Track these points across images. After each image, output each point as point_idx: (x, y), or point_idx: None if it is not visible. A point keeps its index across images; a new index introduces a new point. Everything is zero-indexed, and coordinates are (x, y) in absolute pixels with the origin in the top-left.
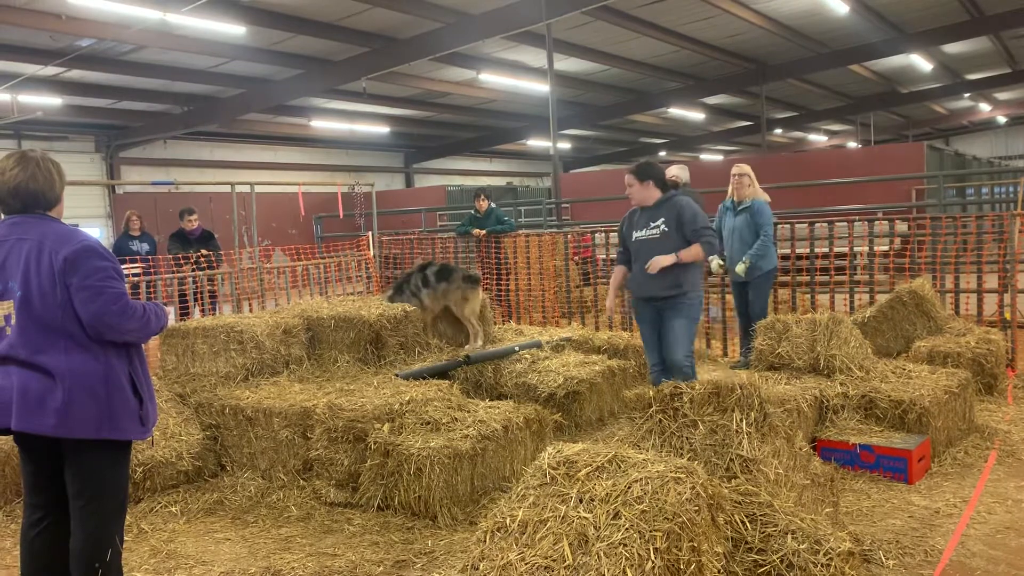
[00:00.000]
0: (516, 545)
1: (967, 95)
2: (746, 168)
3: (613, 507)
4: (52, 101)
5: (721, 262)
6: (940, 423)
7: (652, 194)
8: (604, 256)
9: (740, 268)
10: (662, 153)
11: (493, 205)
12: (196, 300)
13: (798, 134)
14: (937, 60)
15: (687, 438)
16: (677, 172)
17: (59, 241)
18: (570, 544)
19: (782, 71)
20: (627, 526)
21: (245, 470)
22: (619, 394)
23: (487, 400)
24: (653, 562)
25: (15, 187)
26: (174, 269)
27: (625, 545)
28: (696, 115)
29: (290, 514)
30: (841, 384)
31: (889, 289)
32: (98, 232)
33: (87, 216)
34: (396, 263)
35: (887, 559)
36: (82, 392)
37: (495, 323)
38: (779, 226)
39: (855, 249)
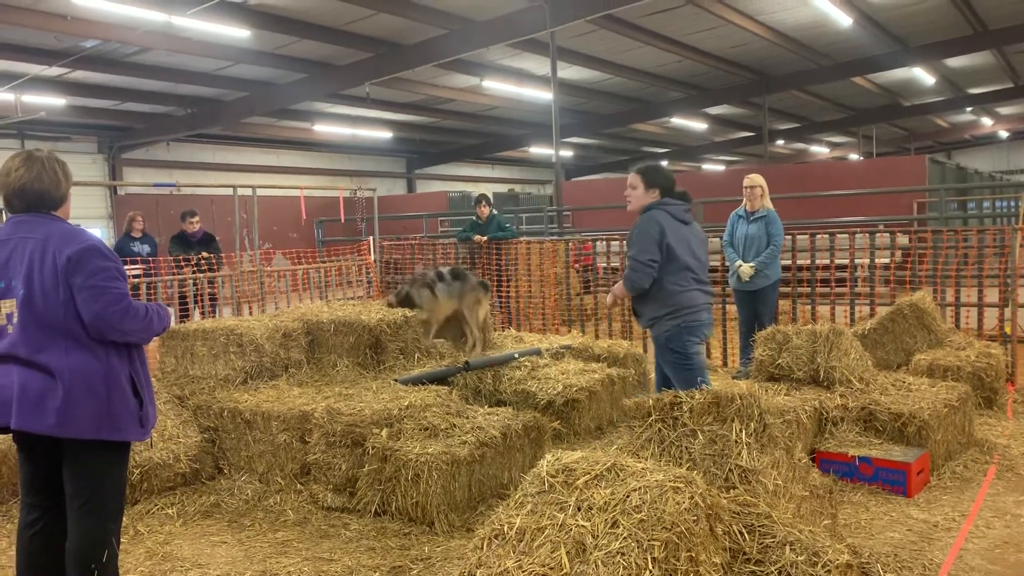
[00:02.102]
0: (513, 553)
1: (969, 109)
2: (758, 180)
3: (611, 516)
4: (56, 101)
5: (752, 264)
6: (939, 436)
7: (641, 203)
8: (605, 264)
9: (747, 270)
10: (664, 163)
11: (495, 212)
12: (196, 302)
13: (800, 145)
14: (940, 74)
15: (686, 448)
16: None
17: (63, 240)
18: (568, 552)
19: (785, 82)
20: (625, 535)
21: (242, 473)
22: (618, 402)
23: (486, 407)
24: (651, 572)
25: (21, 187)
26: (174, 271)
27: (623, 554)
28: (698, 125)
29: (287, 518)
30: (841, 396)
31: (890, 302)
32: (99, 233)
33: (88, 217)
34: (397, 268)
35: (885, 572)
36: (82, 392)
37: (495, 329)
38: None
39: (856, 261)
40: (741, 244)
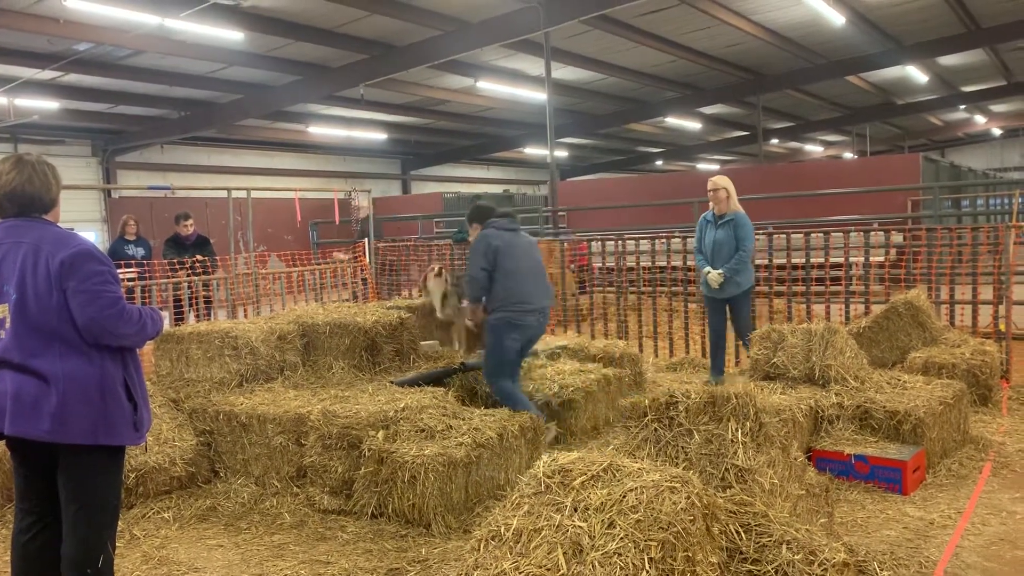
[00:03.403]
0: (510, 554)
1: (963, 107)
2: (722, 182)
3: (608, 516)
4: (49, 105)
5: (720, 272)
6: (935, 434)
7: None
8: (600, 264)
9: (715, 277)
10: (659, 162)
11: None
12: (191, 305)
13: (794, 144)
14: (933, 72)
15: (682, 447)
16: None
17: (56, 244)
18: (564, 553)
19: (779, 81)
20: (622, 535)
21: (238, 476)
22: (614, 402)
23: (482, 408)
24: (648, 572)
25: (11, 191)
26: (169, 274)
27: (619, 554)
28: (693, 125)
29: (283, 521)
30: (836, 394)
31: (884, 300)
32: (93, 236)
33: (82, 220)
34: (392, 270)
35: (881, 570)
36: (77, 397)
37: None
38: (775, 236)
39: (851, 260)
40: (710, 250)
